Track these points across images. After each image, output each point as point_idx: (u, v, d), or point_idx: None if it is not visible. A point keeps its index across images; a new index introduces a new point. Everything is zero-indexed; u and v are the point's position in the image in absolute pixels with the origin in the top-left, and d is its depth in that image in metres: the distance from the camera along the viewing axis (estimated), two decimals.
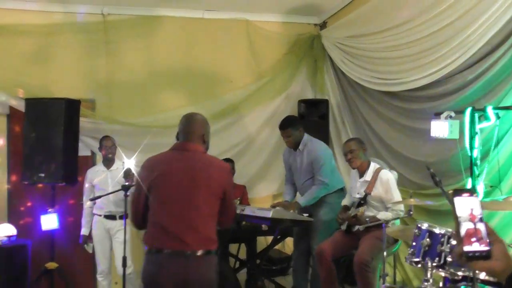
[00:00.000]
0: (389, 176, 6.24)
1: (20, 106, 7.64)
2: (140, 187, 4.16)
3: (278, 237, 7.50)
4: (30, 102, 7.40)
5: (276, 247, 8.58)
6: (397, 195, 6.11)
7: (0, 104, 7.86)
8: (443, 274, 4.58)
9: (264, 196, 8.81)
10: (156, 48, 8.63)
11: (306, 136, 7.08)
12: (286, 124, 7.06)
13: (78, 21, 8.24)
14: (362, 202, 6.26)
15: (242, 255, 8.07)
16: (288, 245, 8.73)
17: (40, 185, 7.69)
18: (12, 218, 7.75)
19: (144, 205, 4.13)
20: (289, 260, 8.54)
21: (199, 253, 3.99)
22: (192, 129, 4.34)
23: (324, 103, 8.67)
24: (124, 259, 6.16)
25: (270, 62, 9.00)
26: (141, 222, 4.19)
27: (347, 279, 7.40)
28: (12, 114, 7.93)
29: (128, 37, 8.48)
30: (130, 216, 4.33)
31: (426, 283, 4.54)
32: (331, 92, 8.87)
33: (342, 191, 7.02)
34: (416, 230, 4.74)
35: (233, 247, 8.22)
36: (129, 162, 6.42)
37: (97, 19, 8.33)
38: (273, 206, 6.76)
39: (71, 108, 7.32)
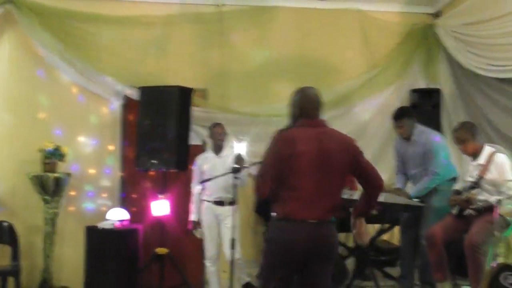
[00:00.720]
0: (504, 159, 6.05)
1: (134, 95, 7.91)
2: (272, 158, 4.35)
3: (387, 225, 7.42)
4: (144, 90, 7.64)
5: (385, 237, 8.49)
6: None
7: (115, 93, 8.15)
8: None
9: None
10: (269, 39, 8.72)
11: (419, 127, 7.02)
12: (401, 114, 7.03)
13: (194, 12, 8.44)
14: (475, 185, 6.10)
15: (351, 243, 8.02)
16: (396, 236, 8.60)
17: (152, 172, 7.94)
18: (124, 204, 7.99)
19: (272, 176, 4.31)
20: (397, 251, 8.43)
21: (326, 221, 4.34)
22: (317, 104, 4.65)
23: (437, 92, 8.52)
24: (233, 241, 6.23)
25: (383, 52, 8.91)
26: (267, 192, 4.38)
27: (458, 270, 7.21)
28: (127, 103, 8.20)
29: (242, 28, 8.61)
30: (256, 185, 4.43)
31: None
32: (444, 82, 8.70)
33: (454, 180, 6.91)
34: None
35: (341, 236, 8.18)
36: (239, 147, 6.51)
37: (212, 10, 8.50)
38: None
39: (184, 96, 7.47)
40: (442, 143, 7.03)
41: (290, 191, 4.30)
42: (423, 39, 8.92)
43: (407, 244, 7.19)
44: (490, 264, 5.22)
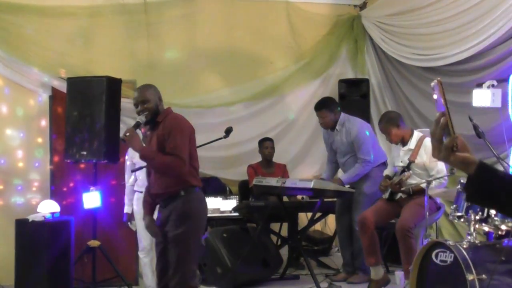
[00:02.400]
0: None
1: (62, 86, 7.84)
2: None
3: (319, 214, 7.62)
4: (72, 81, 7.55)
5: (318, 227, 8.71)
6: (441, 162, 6.18)
7: (42, 85, 8.10)
8: (486, 228, 4.64)
9: (306, 177, 8.92)
10: (196, 30, 8.83)
11: (343, 115, 7.23)
12: (321, 106, 7.22)
13: (119, 3, 8.45)
14: (406, 170, 6.35)
15: (284, 233, 8.20)
16: (329, 226, 8.83)
17: (82, 165, 7.90)
18: (55, 198, 7.89)
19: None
20: (330, 241, 8.65)
21: None
22: None
23: (365, 82, 8.79)
24: None
25: (310, 43, 9.14)
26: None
27: (390, 256, 7.48)
28: (54, 95, 8.13)
29: (169, 18, 8.69)
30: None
31: (469, 237, 4.61)
32: (371, 72, 8.99)
33: (384, 165, 7.14)
34: (459, 186, 4.82)
35: (274, 226, 8.37)
36: None
37: (137, 1, 8.53)
38: None
39: (112, 86, 7.44)
40: (366, 130, 7.25)
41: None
42: (350, 30, 9.20)
43: (343, 231, 7.40)
44: (422, 242, 5.45)
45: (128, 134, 4.71)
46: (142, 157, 4.85)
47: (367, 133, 7.21)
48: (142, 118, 4.88)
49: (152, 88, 5.13)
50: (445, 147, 2.01)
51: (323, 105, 7.25)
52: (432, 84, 2.03)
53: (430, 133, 2.05)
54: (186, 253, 4.78)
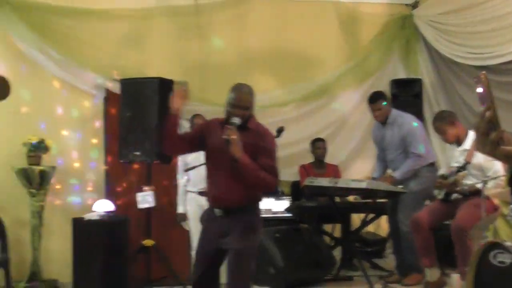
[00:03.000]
0: None
1: (116, 88, 7.98)
2: None
3: (372, 215, 7.59)
4: (125, 83, 7.69)
5: (371, 229, 8.67)
6: (497, 162, 6.11)
7: (96, 86, 8.24)
8: None
9: (358, 177, 8.90)
10: (247, 31, 8.86)
11: (394, 111, 7.19)
12: (376, 97, 7.20)
13: (170, 5, 8.55)
14: (462, 170, 6.29)
15: (337, 234, 8.20)
16: (382, 227, 8.79)
17: (136, 165, 8.01)
18: (109, 197, 7.98)
19: None
20: (384, 243, 8.61)
21: None
22: None
23: (418, 82, 8.72)
24: None
25: (361, 43, 9.12)
26: None
27: (446, 259, 7.38)
28: (108, 97, 8.26)
29: (220, 20, 8.74)
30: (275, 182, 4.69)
31: None
32: (424, 71, 8.92)
33: (433, 165, 7.07)
34: None
35: (327, 227, 8.38)
36: None
37: (188, 3, 8.60)
38: None
39: (164, 88, 7.50)
40: (418, 126, 7.20)
41: None
42: (401, 30, 9.14)
43: (394, 232, 7.34)
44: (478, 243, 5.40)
45: (234, 136, 4.36)
46: (242, 164, 4.39)
47: (419, 128, 7.16)
48: (238, 120, 4.52)
49: (254, 94, 4.82)
50: (491, 141, 2.01)
51: (379, 97, 7.24)
52: (476, 79, 2.04)
53: (474, 127, 2.05)
54: (248, 267, 4.61)
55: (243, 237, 4.53)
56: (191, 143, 4.79)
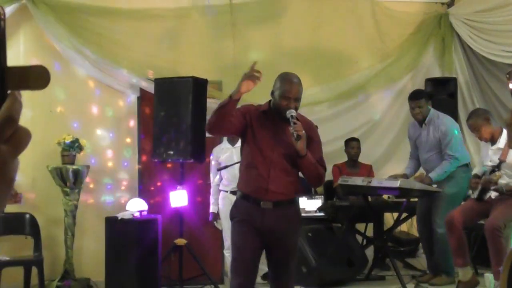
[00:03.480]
0: None
1: (150, 87, 8.02)
2: None
3: (406, 214, 7.54)
4: (159, 82, 7.71)
5: (404, 228, 8.61)
6: None
7: (131, 86, 8.32)
8: None
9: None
10: (281, 29, 8.88)
11: (432, 111, 7.14)
12: (418, 94, 7.16)
13: (204, 4, 8.59)
14: (496, 169, 6.22)
15: (370, 233, 8.16)
16: (415, 226, 8.71)
17: (169, 165, 8.05)
18: (143, 196, 8.05)
19: None
20: (417, 242, 8.55)
21: None
22: None
23: (453, 81, 8.65)
24: None
25: (396, 42, 9.08)
26: None
27: (479, 258, 7.33)
28: (142, 96, 8.33)
29: (254, 19, 8.78)
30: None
31: None
32: (459, 70, 8.86)
33: (467, 166, 7.01)
34: None
35: (360, 226, 8.33)
36: None
37: (223, 2, 8.64)
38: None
39: (198, 87, 7.54)
40: (455, 127, 7.16)
41: None
42: (437, 28, 9.08)
43: (424, 232, 7.29)
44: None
45: (302, 132, 4.23)
46: (307, 160, 4.35)
47: (456, 131, 7.11)
48: (295, 113, 4.35)
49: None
50: None
51: (421, 94, 7.22)
52: (508, 74, 2.00)
53: (505, 123, 2.00)
54: (295, 261, 4.68)
55: (294, 231, 4.57)
56: (237, 129, 4.64)
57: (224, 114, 4.40)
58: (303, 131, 4.23)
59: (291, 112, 4.32)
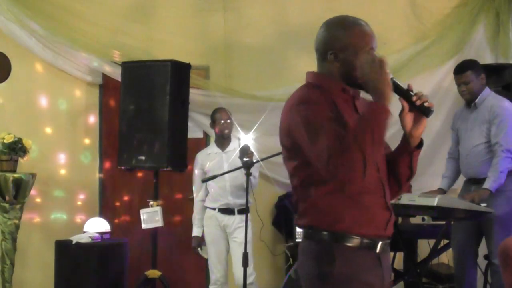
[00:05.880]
0: None
1: (116, 73, 7.96)
2: None
3: (447, 242, 7.44)
4: (128, 66, 7.63)
5: (444, 259, 8.51)
6: None
7: (91, 71, 8.27)
8: None
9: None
10: (287, 2, 8.81)
11: (487, 90, 6.99)
12: (465, 67, 7.01)
13: None
14: None
15: (399, 266, 8.06)
16: None
17: (140, 174, 8.00)
18: (105, 215, 8.05)
19: None
20: None
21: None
22: None
23: (509, 69, 8.53)
24: (246, 256, 6.27)
25: (435, 18, 8.95)
26: None
27: None
28: (106, 84, 8.29)
29: None
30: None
31: None
32: None
33: None
34: None
35: None
36: (246, 138, 6.56)
37: None
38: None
39: (179, 73, 7.48)
40: None
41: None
42: (489, 1, 8.95)
43: (462, 264, 7.15)
44: None
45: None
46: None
47: None
48: None
49: None
50: None
51: (468, 66, 7.05)
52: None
53: None
54: None
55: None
56: None
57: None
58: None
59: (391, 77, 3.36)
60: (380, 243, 3.37)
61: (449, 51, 8.85)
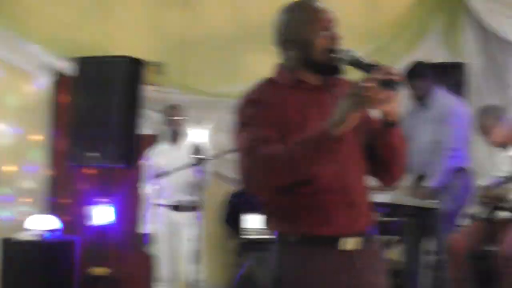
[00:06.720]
0: None
1: (69, 69, 7.94)
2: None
3: (397, 238, 7.46)
4: (82, 62, 7.65)
5: (393, 257, 8.54)
6: None
7: (44, 66, 8.20)
8: None
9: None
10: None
11: (438, 89, 7.06)
12: (413, 68, 7.07)
13: None
14: (508, 181, 6.15)
15: None
16: None
17: (92, 170, 7.95)
18: (55, 212, 8.00)
19: None
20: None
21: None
22: None
23: (461, 67, 8.58)
24: (197, 253, 6.27)
25: (388, 17, 8.99)
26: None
27: None
28: (59, 80, 8.26)
29: None
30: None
31: None
32: (470, 54, 8.76)
33: (465, 172, 6.91)
34: None
35: None
36: (200, 136, 6.53)
37: None
38: None
39: (133, 70, 7.52)
40: (465, 111, 7.04)
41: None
42: (442, 0, 8.99)
43: (412, 261, 7.17)
44: None
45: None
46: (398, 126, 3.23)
47: (466, 117, 6.95)
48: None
49: None
50: None
51: (416, 68, 7.08)
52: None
53: None
54: None
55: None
56: None
57: (308, 165, 3.01)
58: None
59: (351, 52, 3.20)
60: (346, 239, 3.13)
61: (403, 49, 8.90)
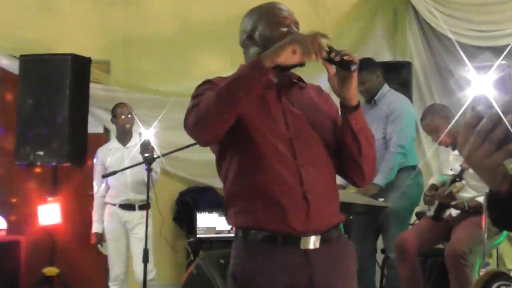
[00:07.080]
0: None
1: (13, 67, 7.88)
2: None
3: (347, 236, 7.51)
4: (26, 60, 7.56)
5: None
6: None
7: None
8: None
9: None
10: None
11: (387, 87, 7.10)
12: (359, 67, 7.04)
13: None
14: (457, 180, 6.22)
15: None
16: None
17: (38, 168, 7.89)
18: (1, 211, 7.88)
19: None
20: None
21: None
22: None
23: (406, 66, 8.67)
24: (146, 252, 6.23)
25: (334, 15, 9.04)
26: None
27: None
28: (3, 78, 8.19)
29: None
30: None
31: None
32: (414, 53, 8.86)
33: (413, 170, 6.94)
34: None
35: None
36: (147, 133, 6.53)
37: None
38: None
39: (79, 67, 7.45)
40: (413, 112, 7.11)
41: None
42: (387, 0, 9.08)
43: (364, 258, 7.20)
44: (479, 272, 5.37)
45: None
46: (360, 109, 3.31)
47: (412, 114, 7.03)
48: None
49: None
50: (507, 154, 1.80)
51: (362, 66, 7.03)
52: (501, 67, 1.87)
53: (465, 124, 1.83)
54: None
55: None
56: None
57: (240, 97, 3.09)
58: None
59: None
60: (302, 238, 3.12)
61: (349, 48, 8.90)
